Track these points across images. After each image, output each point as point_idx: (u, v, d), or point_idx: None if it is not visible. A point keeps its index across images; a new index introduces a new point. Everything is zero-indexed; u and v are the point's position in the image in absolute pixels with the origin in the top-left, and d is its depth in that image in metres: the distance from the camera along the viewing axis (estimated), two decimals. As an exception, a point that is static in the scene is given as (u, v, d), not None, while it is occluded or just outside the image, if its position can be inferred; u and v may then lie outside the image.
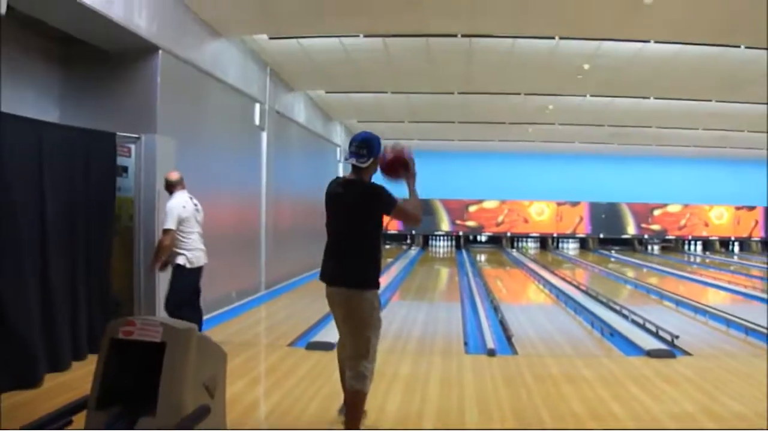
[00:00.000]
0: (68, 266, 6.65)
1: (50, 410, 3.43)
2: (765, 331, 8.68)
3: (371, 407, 5.03)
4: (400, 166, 4.77)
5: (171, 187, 7.15)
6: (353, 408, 4.61)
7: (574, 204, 27.91)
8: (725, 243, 28.89)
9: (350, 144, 4.69)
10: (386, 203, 4.59)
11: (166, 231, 6.91)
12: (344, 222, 4.66)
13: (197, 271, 7.23)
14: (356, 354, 4.57)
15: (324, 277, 4.71)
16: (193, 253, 7.13)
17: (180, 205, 7.00)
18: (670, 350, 7.76)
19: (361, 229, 4.63)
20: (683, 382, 6.47)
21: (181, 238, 7.03)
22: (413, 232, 27.75)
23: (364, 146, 4.61)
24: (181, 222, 6.98)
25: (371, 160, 4.61)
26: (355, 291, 4.55)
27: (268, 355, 7.71)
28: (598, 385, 6.29)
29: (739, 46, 11.25)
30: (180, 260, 7.06)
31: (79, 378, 6.11)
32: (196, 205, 7.26)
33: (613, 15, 9.51)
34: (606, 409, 5.56)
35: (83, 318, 6.84)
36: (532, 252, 26.45)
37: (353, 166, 4.64)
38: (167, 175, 7.22)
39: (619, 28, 10.26)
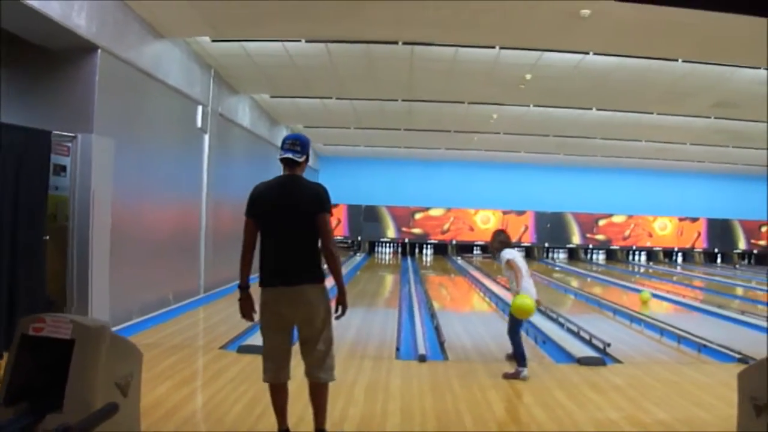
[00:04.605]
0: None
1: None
2: (696, 339, 8.94)
3: (292, 412, 4.91)
4: None
5: None
6: (325, 400, 4.66)
7: (520, 213, 28.26)
8: (669, 253, 29.69)
9: (283, 142, 4.68)
10: (328, 204, 4.60)
11: None
12: (294, 217, 4.53)
13: None
14: (327, 347, 4.67)
15: (275, 279, 4.54)
16: None
17: None
18: (601, 358, 7.88)
19: (311, 223, 4.52)
20: (610, 389, 6.60)
21: None
22: (359, 238, 27.83)
23: (297, 143, 4.65)
24: None
25: (305, 156, 4.65)
26: (318, 285, 4.57)
27: (198, 357, 7.68)
28: (524, 391, 6.40)
29: (677, 60, 11.58)
30: None
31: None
32: None
33: (553, 26, 9.66)
34: (528, 414, 5.67)
35: (3, 316, 6.72)
36: (477, 260, 26.64)
37: (289, 160, 4.62)
38: None
39: (559, 38, 10.47)
